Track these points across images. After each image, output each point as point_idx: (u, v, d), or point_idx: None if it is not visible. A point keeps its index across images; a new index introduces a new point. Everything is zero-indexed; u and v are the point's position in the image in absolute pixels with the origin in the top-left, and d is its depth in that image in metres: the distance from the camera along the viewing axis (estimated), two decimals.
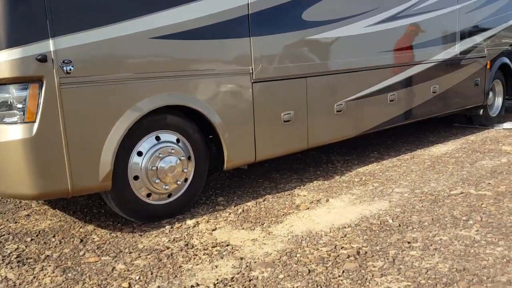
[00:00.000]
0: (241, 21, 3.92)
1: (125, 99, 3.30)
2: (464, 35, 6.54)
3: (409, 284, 2.64)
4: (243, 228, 3.56)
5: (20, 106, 2.96)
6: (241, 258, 3.02)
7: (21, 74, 2.91)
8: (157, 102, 3.45)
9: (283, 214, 3.84)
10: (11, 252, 3.24)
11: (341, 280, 2.71)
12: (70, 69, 3.04)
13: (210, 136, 4.01)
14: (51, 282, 2.82)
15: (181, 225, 3.62)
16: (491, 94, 7.58)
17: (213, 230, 3.54)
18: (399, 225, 3.49)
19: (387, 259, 2.94)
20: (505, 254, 2.95)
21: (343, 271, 2.80)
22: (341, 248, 3.14)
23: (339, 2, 4.80)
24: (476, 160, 5.37)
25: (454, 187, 4.37)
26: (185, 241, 3.32)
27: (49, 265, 3.04)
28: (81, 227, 3.69)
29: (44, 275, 2.92)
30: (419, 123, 6.54)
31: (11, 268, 3.01)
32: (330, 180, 4.81)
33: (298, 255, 3.05)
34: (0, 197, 4.36)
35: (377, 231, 3.40)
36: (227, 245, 3.24)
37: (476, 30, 6.82)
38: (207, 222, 3.70)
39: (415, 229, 3.41)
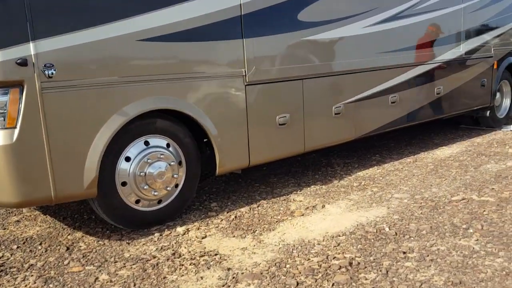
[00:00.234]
0: (233, 22, 3.80)
1: (111, 104, 3.21)
2: (470, 34, 6.37)
3: None
4: (234, 236, 3.44)
5: (0, 111, 2.88)
6: (228, 269, 2.91)
7: (1, 79, 2.83)
8: (144, 106, 3.35)
9: (277, 221, 3.73)
10: None
11: None
12: (52, 73, 2.95)
13: (205, 140, 3.90)
14: None
15: (171, 233, 3.52)
16: (498, 95, 7.38)
17: (203, 238, 3.43)
18: (396, 234, 3.35)
19: (380, 270, 2.81)
20: (505, 266, 2.80)
21: (332, 284, 2.68)
22: (333, 258, 3.01)
23: (337, 2, 4.67)
24: (480, 164, 5.20)
25: (456, 193, 4.22)
26: (173, 250, 3.21)
27: (32, 275, 2.95)
28: (69, 234, 3.60)
29: (25, 285, 2.83)
30: (424, 125, 6.38)
31: None
32: (328, 184, 4.68)
33: (287, 265, 2.93)
34: None
35: (372, 240, 3.26)
36: (216, 254, 3.13)
37: (482, 29, 6.64)
38: (198, 229, 3.60)
39: (412, 238, 3.27)
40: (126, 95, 3.27)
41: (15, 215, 4.10)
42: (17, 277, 2.93)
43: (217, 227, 3.64)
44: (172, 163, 3.61)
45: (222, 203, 4.22)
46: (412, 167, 5.23)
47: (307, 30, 4.37)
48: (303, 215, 3.85)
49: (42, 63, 2.91)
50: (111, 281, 2.83)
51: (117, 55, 3.23)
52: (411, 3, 5.40)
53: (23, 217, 4.04)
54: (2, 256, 3.26)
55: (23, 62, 2.83)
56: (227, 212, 3.95)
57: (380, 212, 3.83)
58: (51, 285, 2.82)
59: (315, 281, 2.72)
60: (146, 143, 3.51)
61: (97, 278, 2.88)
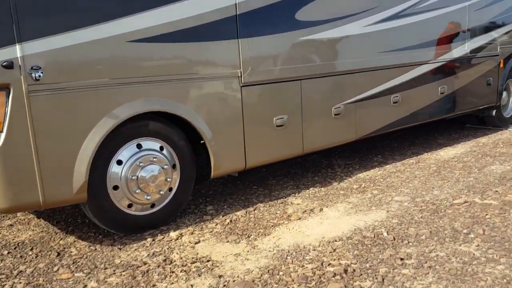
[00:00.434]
0: (228, 22, 3.72)
1: (101, 106, 3.14)
2: (475, 33, 6.23)
3: None
4: (227, 241, 3.36)
5: None
6: (220, 276, 2.83)
7: None
8: (136, 108, 3.28)
9: (272, 225, 3.64)
10: None
11: None
12: (40, 76, 2.88)
13: (202, 141, 3.82)
14: None
15: (164, 238, 3.45)
16: (505, 94, 7.23)
17: (196, 243, 3.36)
18: (394, 239, 3.26)
19: (376, 278, 2.72)
20: (506, 274, 2.69)
21: None
22: (328, 264, 2.92)
23: (336, 0, 4.56)
24: (485, 165, 5.08)
25: (458, 195, 4.10)
26: (165, 256, 3.14)
27: (20, 282, 2.89)
28: (61, 239, 3.54)
29: None
30: (428, 124, 6.25)
31: None
32: (327, 187, 4.58)
33: (281, 273, 2.85)
34: None
35: (370, 246, 3.17)
36: (208, 261, 3.05)
37: (488, 27, 6.49)
38: (192, 234, 3.52)
39: (410, 244, 3.17)
40: (117, 97, 3.20)
41: (8, 218, 4.05)
42: (5, 285, 2.87)
43: (211, 231, 3.56)
44: (165, 167, 3.54)
45: (218, 206, 4.14)
46: (415, 168, 5.11)
47: (305, 29, 4.27)
48: (300, 219, 3.76)
49: (29, 65, 2.85)
50: None
51: (106, 57, 3.15)
52: (413, 1, 5.28)
53: (17, 221, 3.99)
54: None
55: (9, 65, 2.76)
56: (223, 216, 3.87)
57: (379, 216, 3.73)
58: None
59: None
60: (139, 146, 3.44)
61: (85, 285, 2.81)
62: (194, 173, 3.81)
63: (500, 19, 6.68)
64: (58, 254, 3.27)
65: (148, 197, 3.48)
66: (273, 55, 4.11)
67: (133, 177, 3.38)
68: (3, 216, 4.11)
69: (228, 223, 3.72)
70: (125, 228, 3.49)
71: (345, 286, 2.65)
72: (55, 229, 3.75)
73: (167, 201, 3.63)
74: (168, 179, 3.57)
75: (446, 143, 6.32)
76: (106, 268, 3.01)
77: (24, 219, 4.01)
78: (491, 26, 6.53)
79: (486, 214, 3.62)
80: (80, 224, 3.82)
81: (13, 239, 3.60)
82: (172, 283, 2.78)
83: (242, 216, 3.87)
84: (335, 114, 4.67)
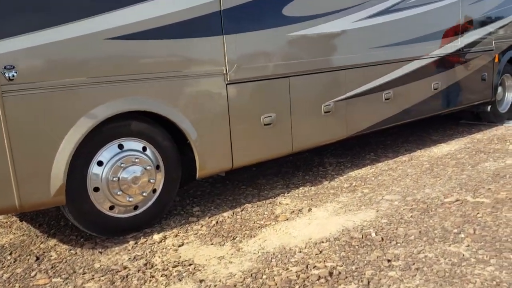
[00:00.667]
0: (211, 18, 3.62)
1: (78, 106, 3.04)
2: (469, 27, 6.13)
3: None
4: (212, 244, 3.28)
5: None
6: (201, 281, 2.74)
7: None
8: (115, 108, 3.18)
9: (259, 227, 3.55)
10: None
11: None
12: (13, 76, 2.78)
13: (188, 141, 3.73)
14: None
15: (146, 241, 3.36)
16: (500, 89, 7.13)
17: (179, 246, 3.27)
18: (382, 239, 3.17)
19: (362, 281, 2.63)
20: (495, 276, 2.61)
21: None
22: (314, 267, 2.84)
23: None
24: (478, 162, 4.99)
25: (450, 194, 4.02)
26: (146, 260, 3.05)
27: None
28: (42, 242, 3.45)
29: None
30: (423, 121, 6.15)
31: None
32: (317, 186, 4.49)
33: (264, 276, 2.76)
34: None
35: (357, 247, 3.08)
36: (190, 265, 2.96)
37: (482, 22, 6.39)
38: (176, 236, 3.43)
39: (398, 244, 3.09)
40: (95, 97, 3.10)
41: None
42: None
43: (196, 233, 3.47)
44: (148, 167, 3.45)
45: (205, 207, 4.05)
46: (407, 166, 5.03)
47: (293, 25, 4.17)
48: (287, 219, 3.68)
49: (2, 65, 2.75)
50: None
51: (83, 55, 3.05)
52: None
53: None
54: None
55: None
56: (209, 217, 3.78)
57: (369, 215, 3.64)
58: None
59: None
60: (120, 146, 3.35)
61: None
62: (179, 174, 3.72)
63: (494, 13, 6.58)
64: (37, 258, 3.18)
65: (131, 199, 3.39)
66: (260, 52, 4.01)
67: (114, 179, 3.29)
68: None
69: (214, 224, 3.63)
70: (107, 231, 3.40)
71: None
72: (36, 232, 3.66)
73: (150, 203, 3.54)
74: (152, 180, 3.48)
75: (440, 139, 6.23)
76: (84, 273, 2.92)
77: (6, 222, 3.91)
78: (485, 20, 6.43)
79: (478, 213, 3.53)
80: (63, 227, 3.73)
81: None
82: None
83: (228, 217, 3.78)
84: (325, 112, 4.57)
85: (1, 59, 2.74)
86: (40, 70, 2.91)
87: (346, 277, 2.69)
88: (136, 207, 3.48)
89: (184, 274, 2.83)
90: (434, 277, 2.63)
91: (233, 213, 3.86)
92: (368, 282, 2.62)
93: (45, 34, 2.90)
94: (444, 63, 5.86)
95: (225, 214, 3.85)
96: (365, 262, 2.87)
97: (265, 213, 3.84)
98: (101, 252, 3.21)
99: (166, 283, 2.74)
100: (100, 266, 3.01)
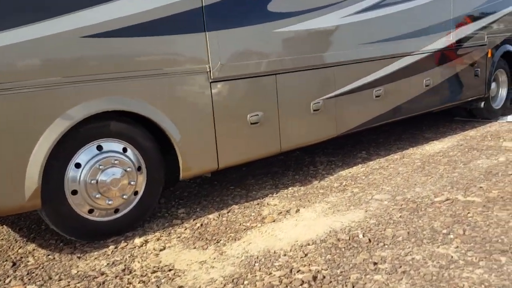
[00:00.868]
0: (193, 14, 3.51)
1: (53, 107, 2.93)
2: (461, 22, 6.04)
3: None
4: (194, 247, 3.18)
5: None
6: (180, 287, 2.64)
7: None
8: (92, 108, 3.08)
9: (245, 229, 3.46)
10: None
11: None
12: None
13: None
14: None
15: (127, 245, 3.26)
16: (494, 85, 7.05)
17: (161, 250, 3.17)
18: (369, 241, 3.07)
19: (346, 286, 2.54)
20: (484, 279, 2.52)
21: None
22: (298, 271, 2.74)
23: None
24: (471, 160, 4.90)
25: (441, 192, 3.92)
26: (124, 265, 2.95)
27: None
28: (20, 247, 3.35)
29: None
30: (416, 118, 6.06)
31: None
32: (307, 185, 4.40)
33: (246, 282, 2.67)
34: None
35: (343, 249, 2.99)
36: (170, 270, 2.86)
37: (474, 16, 6.29)
38: (158, 240, 3.33)
39: (386, 246, 2.99)
40: (71, 97, 2.99)
41: None
42: None
43: (179, 237, 3.37)
44: (128, 169, 3.34)
45: (190, 209, 3.95)
46: (399, 164, 4.93)
47: (279, 21, 4.07)
48: (274, 221, 3.58)
49: None
50: None
51: (58, 54, 2.94)
52: None
53: None
54: None
55: None
56: (194, 220, 3.68)
57: (357, 216, 3.55)
58: None
59: None
60: (99, 147, 3.25)
61: None
62: (162, 175, 3.62)
63: (487, 7, 6.48)
64: (14, 264, 3.08)
65: (110, 202, 3.28)
66: (245, 49, 3.91)
67: (92, 181, 3.19)
68: None
69: (198, 227, 3.53)
70: (86, 235, 3.29)
71: None
72: (16, 237, 3.56)
73: (132, 205, 3.44)
74: (132, 183, 3.38)
75: (433, 137, 6.13)
76: (60, 280, 2.82)
77: None
78: (477, 15, 6.33)
79: (468, 213, 3.44)
80: (43, 231, 3.63)
81: None
82: None
83: (214, 219, 3.69)
84: (314, 110, 4.47)
85: None
86: (14, 70, 2.80)
87: (330, 282, 2.60)
88: (117, 210, 3.37)
89: (162, 281, 2.73)
90: (420, 281, 2.54)
91: (219, 215, 3.76)
92: (353, 287, 2.52)
93: (19, 33, 2.79)
94: (436, 59, 5.77)
95: (210, 216, 3.75)
96: (350, 265, 2.77)
97: (252, 214, 3.75)
98: (79, 257, 3.11)
99: None
100: (77, 272, 2.91)
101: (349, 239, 3.14)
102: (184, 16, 3.47)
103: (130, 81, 3.24)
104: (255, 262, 2.90)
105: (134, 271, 2.87)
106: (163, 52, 3.42)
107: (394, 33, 5.15)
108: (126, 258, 3.05)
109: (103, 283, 2.74)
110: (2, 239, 3.54)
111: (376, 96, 5.05)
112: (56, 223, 3.16)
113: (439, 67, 5.84)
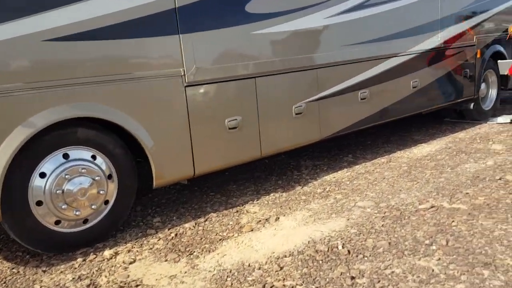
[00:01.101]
0: (165, 16, 3.37)
1: (13, 114, 2.78)
2: (448, 22, 5.91)
3: None
4: (166, 260, 3.03)
5: None
6: None
7: None
8: (56, 115, 2.92)
9: (220, 239, 3.31)
10: None
11: None
12: None
13: None
14: None
15: (96, 257, 3.11)
16: (483, 85, 6.93)
17: (130, 263, 3.02)
18: (349, 253, 2.94)
19: None
20: None
21: None
22: (271, 287, 2.60)
23: None
24: (458, 163, 4.77)
25: (426, 199, 3.80)
26: (91, 280, 2.81)
27: None
28: None
29: None
30: (405, 120, 5.93)
31: None
32: (289, 191, 4.26)
33: None
34: None
35: (321, 262, 2.85)
36: (137, 286, 2.72)
37: (462, 16, 6.17)
38: (129, 251, 3.19)
39: (365, 258, 2.86)
40: (33, 103, 2.84)
41: None
42: None
43: (151, 248, 3.23)
44: (97, 178, 3.19)
45: (166, 217, 3.81)
46: (385, 168, 4.80)
47: (258, 23, 3.93)
48: (252, 230, 3.44)
49: None
50: None
51: (18, 59, 2.79)
52: None
53: None
54: None
55: None
56: (169, 229, 3.53)
57: (338, 224, 3.41)
58: None
59: None
60: (65, 156, 3.09)
61: None
62: (134, 182, 3.47)
63: (476, 7, 6.36)
64: None
65: (78, 213, 3.13)
66: (222, 52, 3.77)
67: (58, 191, 3.03)
68: None
69: (173, 237, 3.39)
70: (53, 247, 3.14)
71: None
72: None
73: (102, 215, 3.29)
74: (102, 192, 3.23)
75: (422, 139, 6.01)
76: None
77: None
78: (466, 14, 6.21)
79: (453, 221, 3.31)
80: (11, 242, 3.47)
81: None
82: None
83: (190, 228, 3.54)
84: (296, 114, 4.34)
85: None
86: None
87: None
88: (86, 221, 3.22)
89: None
90: None
91: (195, 224, 3.62)
92: None
93: None
94: (423, 60, 5.64)
95: (186, 225, 3.61)
96: (327, 280, 2.64)
97: (230, 223, 3.61)
98: (44, 271, 2.96)
99: None
100: (41, 287, 2.76)
101: (327, 250, 3.00)
102: (156, 18, 3.32)
103: (97, 86, 3.09)
104: (227, 276, 2.76)
105: (100, 286, 2.73)
106: (134, 56, 3.27)
107: (380, 33, 5.02)
108: (93, 272, 2.90)
109: None
110: None
111: (362, 99, 4.92)
112: (21, 235, 3.01)
113: (427, 68, 5.71)
